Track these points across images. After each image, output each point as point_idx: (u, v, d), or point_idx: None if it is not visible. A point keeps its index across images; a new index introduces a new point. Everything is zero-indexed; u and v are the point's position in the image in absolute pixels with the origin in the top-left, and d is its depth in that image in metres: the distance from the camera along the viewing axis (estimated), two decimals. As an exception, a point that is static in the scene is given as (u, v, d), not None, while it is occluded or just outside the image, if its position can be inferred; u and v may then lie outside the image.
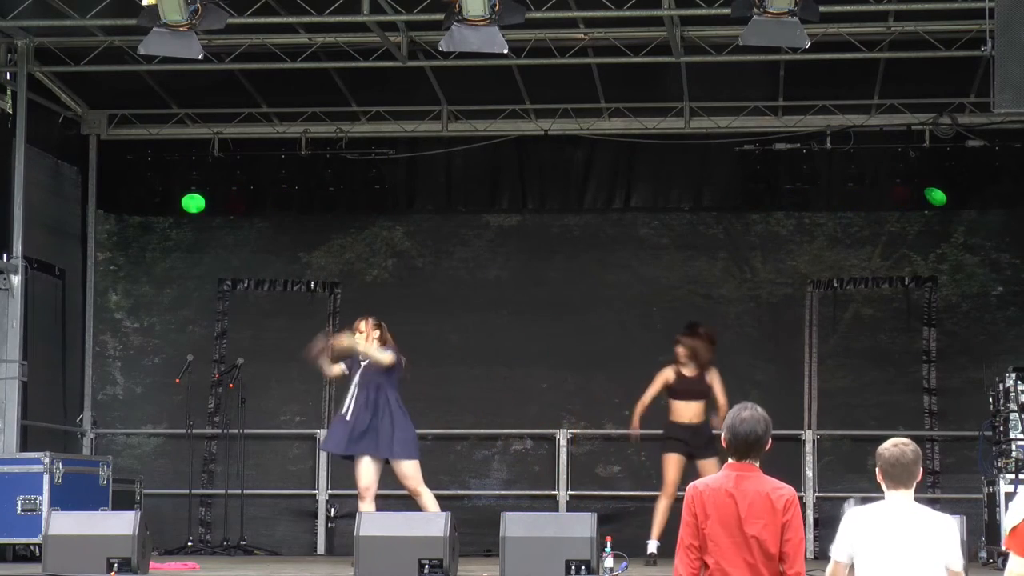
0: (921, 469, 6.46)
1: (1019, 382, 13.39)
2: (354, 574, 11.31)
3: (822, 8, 12.46)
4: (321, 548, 16.30)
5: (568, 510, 15.79)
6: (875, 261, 16.59)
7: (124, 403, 17.11)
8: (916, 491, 6.46)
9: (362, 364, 12.43)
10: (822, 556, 14.11)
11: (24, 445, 14.88)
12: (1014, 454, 13.12)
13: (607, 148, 16.83)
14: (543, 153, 16.94)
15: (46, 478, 13.91)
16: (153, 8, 12.28)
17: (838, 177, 16.56)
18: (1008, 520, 6.18)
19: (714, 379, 13.77)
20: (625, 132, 16.70)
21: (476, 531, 14.74)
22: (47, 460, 13.98)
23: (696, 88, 16.10)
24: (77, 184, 16.87)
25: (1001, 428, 13.53)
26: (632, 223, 16.99)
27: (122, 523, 11.75)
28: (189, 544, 15.84)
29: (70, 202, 16.76)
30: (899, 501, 6.39)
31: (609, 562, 11.07)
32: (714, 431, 13.45)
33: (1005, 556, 6.29)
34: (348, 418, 12.37)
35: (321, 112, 16.93)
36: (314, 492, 16.49)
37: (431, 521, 11.54)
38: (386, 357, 12.37)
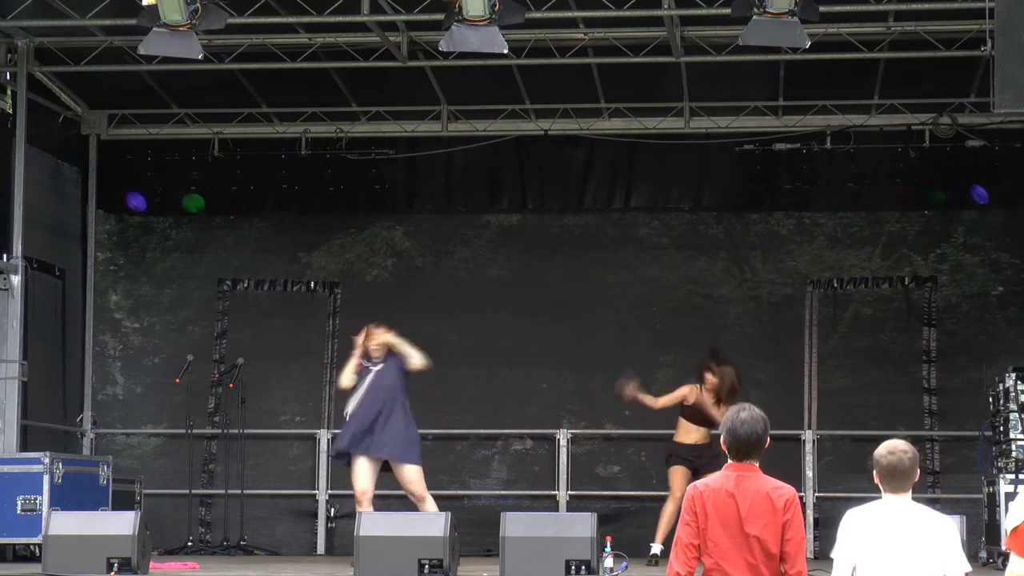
0: (919, 470, 6.44)
1: (1019, 382, 13.39)
2: (354, 574, 11.32)
3: (822, 8, 12.46)
4: (321, 548, 16.30)
5: (568, 510, 15.79)
6: (875, 261, 16.59)
7: (124, 403, 17.11)
8: (916, 491, 6.44)
9: (374, 369, 12.44)
10: (822, 556, 14.10)
11: (24, 445, 14.88)
12: (1014, 454, 13.12)
13: (607, 148, 16.83)
14: (543, 153, 16.94)
15: (46, 478, 13.91)
16: (153, 8, 12.28)
17: (838, 177, 16.56)
18: (1009, 520, 6.18)
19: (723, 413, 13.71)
20: (625, 132, 16.71)
21: (476, 531, 14.74)
22: (47, 460, 13.98)
23: (696, 88, 16.11)
24: (77, 184, 16.87)
25: (1001, 428, 13.53)
26: (632, 223, 16.99)
27: (122, 523, 11.76)
28: (189, 544, 15.84)
29: (70, 202, 16.76)
30: (898, 501, 6.37)
31: (609, 562, 11.07)
32: (717, 449, 13.46)
33: (1005, 556, 6.29)
34: (351, 418, 12.38)
35: (321, 112, 16.93)
36: (314, 492, 16.48)
37: (431, 521, 11.54)
38: (422, 360, 12.45)
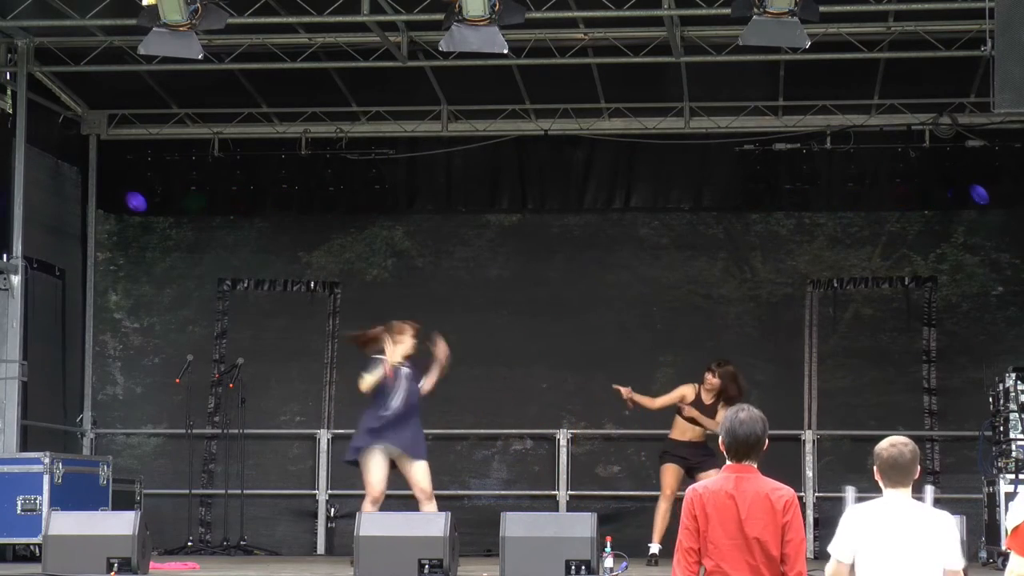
0: (919, 467, 6.46)
1: (1019, 382, 13.39)
2: (354, 574, 11.31)
3: (822, 8, 12.46)
4: (321, 548, 16.30)
5: (568, 510, 15.79)
6: (875, 261, 16.59)
7: (124, 403, 17.11)
8: (915, 490, 6.46)
9: (404, 370, 12.44)
10: (822, 556, 14.08)
11: (24, 445, 14.88)
12: (1014, 454, 13.12)
13: (607, 148, 16.83)
14: (543, 153, 16.94)
15: (46, 478, 13.91)
16: (153, 8, 12.28)
17: (838, 177, 16.56)
18: (1009, 520, 6.19)
19: (721, 414, 13.72)
20: (625, 132, 16.71)
21: (476, 531, 14.74)
22: (47, 460, 13.98)
23: (696, 88, 16.11)
24: (77, 184, 16.87)
25: (1001, 428, 13.53)
26: (632, 223, 16.99)
27: (122, 523, 11.75)
28: (189, 544, 15.84)
29: (70, 202, 16.76)
30: (898, 499, 6.39)
31: (609, 562, 11.07)
32: (713, 447, 13.51)
33: (1005, 556, 6.30)
34: (388, 415, 12.39)
35: (321, 112, 16.93)
36: (314, 492, 16.48)
37: (431, 521, 11.55)
38: (430, 387, 12.68)
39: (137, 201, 17.13)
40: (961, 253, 16.46)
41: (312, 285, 17.07)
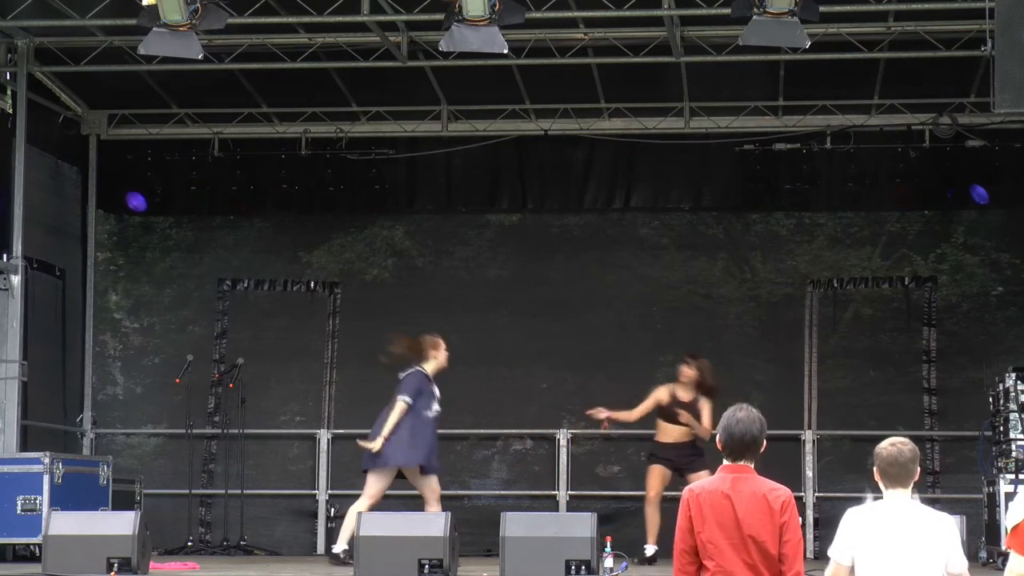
0: (919, 468, 6.45)
1: (1019, 382, 13.39)
2: (354, 574, 11.31)
3: (822, 8, 12.46)
4: (321, 548, 16.28)
5: (568, 510, 15.80)
6: (875, 261, 16.59)
7: (124, 403, 17.11)
8: (916, 491, 6.45)
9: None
10: (822, 556, 14.09)
11: (24, 445, 14.88)
12: (1014, 454, 13.12)
13: (607, 148, 16.83)
14: (543, 153, 16.94)
15: (46, 478, 13.91)
16: (153, 8, 12.28)
17: (838, 177, 16.56)
18: (1009, 519, 6.19)
19: (705, 407, 13.72)
20: (625, 132, 16.71)
21: (476, 531, 14.74)
22: (47, 460, 13.98)
23: (696, 88, 16.11)
24: (77, 184, 16.87)
25: (1001, 428, 13.53)
26: (632, 223, 16.99)
27: (122, 523, 11.75)
28: (189, 544, 15.84)
29: (70, 202, 16.77)
30: (898, 500, 6.38)
31: (609, 562, 11.08)
32: (700, 447, 13.54)
33: (1005, 556, 6.29)
34: (432, 433, 12.74)
35: (321, 112, 16.93)
36: (314, 492, 16.48)
37: (431, 521, 11.55)
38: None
39: (137, 201, 17.14)
40: (961, 253, 16.46)
41: (312, 285, 17.07)
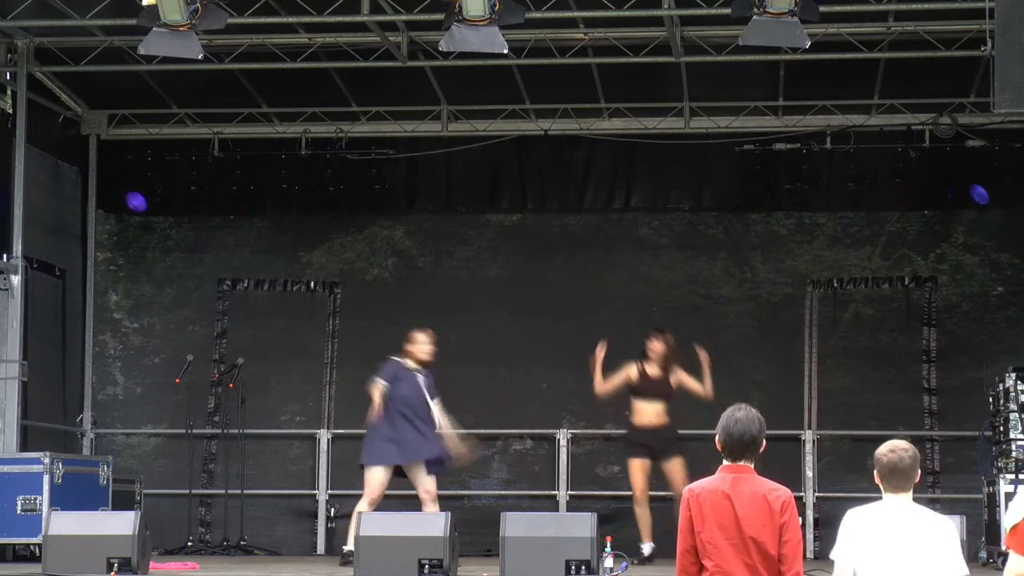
0: (919, 471, 6.44)
1: (1019, 382, 13.38)
2: (354, 574, 11.32)
3: (822, 8, 12.46)
4: (321, 548, 16.30)
5: (568, 510, 15.79)
6: (875, 261, 16.59)
7: (124, 403, 17.11)
8: (916, 491, 6.44)
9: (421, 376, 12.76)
10: (822, 556, 14.10)
11: (24, 445, 14.88)
12: (1014, 454, 13.12)
13: (607, 148, 16.83)
14: (543, 153, 16.95)
15: (46, 478, 13.91)
16: (153, 8, 12.28)
17: (838, 177, 16.57)
18: (1008, 519, 6.17)
19: (682, 375, 13.72)
20: (625, 132, 16.71)
21: (476, 531, 14.74)
22: (47, 460, 13.97)
23: (696, 88, 16.11)
24: (77, 184, 16.88)
25: (1001, 428, 13.53)
26: (632, 223, 16.99)
27: (122, 523, 11.75)
28: (189, 544, 15.84)
29: (70, 202, 16.77)
30: (898, 503, 6.37)
31: (609, 562, 11.07)
32: (676, 432, 13.54)
33: (1005, 556, 6.28)
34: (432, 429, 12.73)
35: (321, 112, 16.93)
36: (314, 492, 16.49)
37: (431, 521, 11.55)
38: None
39: (137, 201, 17.14)
40: (961, 253, 16.46)
41: (312, 285, 17.07)
